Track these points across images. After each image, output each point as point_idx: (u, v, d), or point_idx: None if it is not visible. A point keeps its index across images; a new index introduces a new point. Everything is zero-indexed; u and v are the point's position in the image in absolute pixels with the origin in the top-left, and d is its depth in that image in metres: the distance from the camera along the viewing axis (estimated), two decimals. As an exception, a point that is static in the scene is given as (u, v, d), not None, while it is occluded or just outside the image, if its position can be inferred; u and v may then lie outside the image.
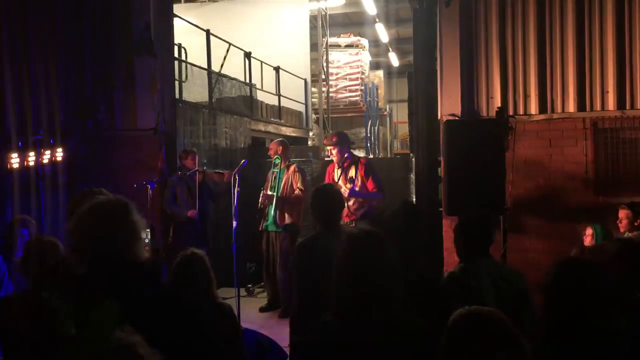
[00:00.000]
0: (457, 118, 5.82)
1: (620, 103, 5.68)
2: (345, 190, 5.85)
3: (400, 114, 19.42)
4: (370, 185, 5.95)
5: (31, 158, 5.40)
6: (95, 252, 1.95)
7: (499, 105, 5.78)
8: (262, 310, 6.53)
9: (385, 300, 2.02)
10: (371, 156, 13.58)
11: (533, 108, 5.89)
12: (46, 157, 5.58)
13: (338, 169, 6.18)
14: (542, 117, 5.85)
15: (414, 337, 2.00)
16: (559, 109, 5.84)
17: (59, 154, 5.79)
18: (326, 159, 11.48)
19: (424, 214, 3.16)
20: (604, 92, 5.73)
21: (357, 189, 5.94)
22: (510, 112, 5.79)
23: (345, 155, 6.13)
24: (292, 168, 6.54)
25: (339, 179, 6.11)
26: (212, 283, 3.27)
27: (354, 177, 6.01)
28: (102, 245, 1.95)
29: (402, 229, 2.87)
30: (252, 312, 6.42)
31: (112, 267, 1.93)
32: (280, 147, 6.62)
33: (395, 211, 3.08)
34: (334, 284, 2.08)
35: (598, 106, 5.74)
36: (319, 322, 2.07)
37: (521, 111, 5.91)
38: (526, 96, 5.92)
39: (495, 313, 1.68)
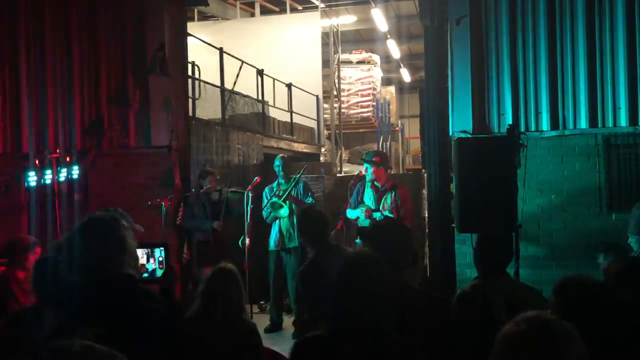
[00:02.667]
0: (468, 134, 5.83)
1: (633, 119, 5.66)
2: (381, 216, 5.72)
3: (412, 129, 19.44)
4: (407, 212, 5.85)
5: (48, 176, 5.49)
6: (82, 265, 2.04)
7: (510, 121, 5.78)
8: (267, 331, 6.35)
9: (375, 325, 2.04)
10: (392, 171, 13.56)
11: (545, 124, 5.89)
12: (62, 175, 5.67)
13: (372, 190, 5.95)
14: (553, 133, 5.85)
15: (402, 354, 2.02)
16: (570, 125, 5.83)
17: (75, 171, 5.87)
18: (338, 174, 11.51)
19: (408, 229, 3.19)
20: (616, 108, 5.72)
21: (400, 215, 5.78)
22: (522, 129, 5.79)
23: (386, 178, 5.99)
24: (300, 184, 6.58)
25: (374, 202, 5.91)
26: (243, 297, 3.33)
27: (392, 203, 5.84)
28: (87, 259, 2.05)
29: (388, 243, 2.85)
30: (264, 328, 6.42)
31: (96, 280, 2.02)
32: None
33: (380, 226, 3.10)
34: (329, 301, 2.12)
35: (610, 122, 5.73)
36: (312, 335, 2.10)
37: (533, 127, 5.91)
38: (538, 112, 5.92)
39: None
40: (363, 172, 6.10)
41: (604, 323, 1.90)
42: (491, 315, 2.81)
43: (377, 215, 5.75)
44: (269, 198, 6.49)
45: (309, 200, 6.43)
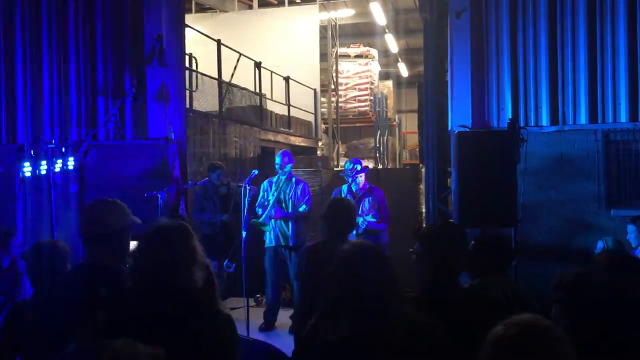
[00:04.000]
0: (468, 129, 5.81)
1: (633, 115, 5.64)
2: (364, 221, 5.78)
3: (409, 124, 19.41)
4: (384, 214, 5.92)
5: (43, 167, 5.43)
6: (152, 275, 1.98)
7: (510, 116, 5.75)
8: (261, 330, 6.13)
9: (376, 309, 2.02)
10: (380, 166, 13.56)
11: (544, 120, 5.87)
12: (58, 165, 5.62)
13: (350, 196, 5.90)
14: (553, 129, 5.82)
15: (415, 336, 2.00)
16: (570, 120, 5.81)
17: (71, 162, 5.82)
18: (335, 168, 11.47)
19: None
20: (616, 104, 5.70)
21: (374, 220, 5.85)
22: (522, 124, 5.76)
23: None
24: (301, 186, 6.25)
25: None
26: (215, 289, 3.27)
27: (370, 207, 5.89)
28: (161, 269, 1.99)
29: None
30: (260, 322, 6.39)
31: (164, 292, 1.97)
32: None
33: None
34: (326, 288, 2.11)
35: (610, 118, 5.71)
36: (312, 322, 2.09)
37: (532, 123, 5.89)
38: (537, 107, 5.90)
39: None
40: (353, 182, 5.98)
41: (605, 317, 1.88)
42: (489, 317, 2.75)
43: (359, 220, 5.75)
44: (265, 192, 6.34)
45: (303, 208, 6.20)
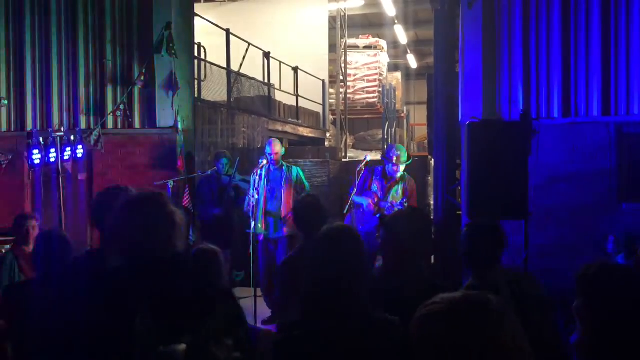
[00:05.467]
0: (479, 120, 5.75)
1: (646, 108, 5.58)
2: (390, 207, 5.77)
3: (418, 116, 19.31)
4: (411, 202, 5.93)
5: (52, 154, 5.43)
6: (134, 246, 1.95)
7: (522, 108, 5.70)
8: (265, 323, 5.86)
9: (349, 296, 2.01)
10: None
11: (556, 111, 5.81)
12: (67, 153, 5.62)
13: (382, 180, 5.94)
14: (565, 120, 5.77)
15: (386, 334, 1.99)
16: (582, 112, 5.75)
17: (80, 150, 5.82)
18: (343, 160, 11.44)
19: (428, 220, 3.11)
20: (629, 96, 5.64)
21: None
22: (533, 115, 5.71)
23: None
24: (295, 171, 6.14)
25: (383, 192, 5.96)
26: (222, 277, 3.28)
27: (402, 195, 5.92)
28: (141, 239, 1.96)
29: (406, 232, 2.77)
30: (268, 312, 6.38)
31: (152, 261, 1.94)
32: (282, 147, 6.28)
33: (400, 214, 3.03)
34: (304, 283, 2.10)
35: (623, 110, 5.65)
36: (290, 322, 2.08)
37: (544, 114, 5.83)
38: (549, 99, 5.84)
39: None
40: (392, 167, 5.93)
41: (632, 307, 1.83)
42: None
43: (386, 204, 5.75)
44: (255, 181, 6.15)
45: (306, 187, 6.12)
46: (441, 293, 1.35)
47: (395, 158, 5.92)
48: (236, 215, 6.44)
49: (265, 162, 6.02)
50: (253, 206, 5.84)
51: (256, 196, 5.91)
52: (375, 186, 5.97)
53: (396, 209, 5.66)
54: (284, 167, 6.10)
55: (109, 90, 6.70)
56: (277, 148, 6.08)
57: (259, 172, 5.97)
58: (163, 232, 1.96)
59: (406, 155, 6.09)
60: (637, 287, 1.88)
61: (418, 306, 1.34)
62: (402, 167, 5.94)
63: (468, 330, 1.26)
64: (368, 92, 14.73)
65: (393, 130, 15.36)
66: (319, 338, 1.98)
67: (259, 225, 5.99)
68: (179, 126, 6.39)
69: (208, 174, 6.42)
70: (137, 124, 6.65)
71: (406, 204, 5.82)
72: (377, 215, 5.92)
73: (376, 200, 5.91)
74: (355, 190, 6.00)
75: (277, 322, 3.27)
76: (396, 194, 5.90)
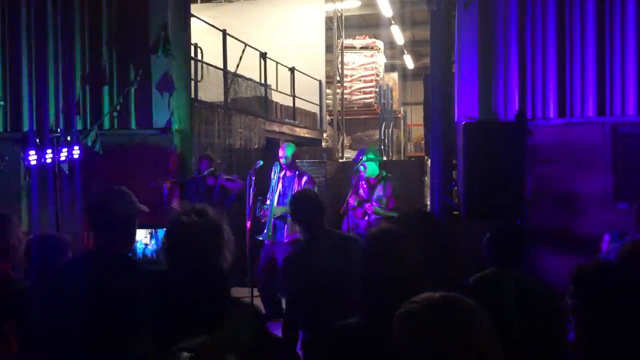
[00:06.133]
0: (474, 121, 5.77)
1: (641, 108, 5.60)
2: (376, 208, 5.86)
3: (415, 116, 19.34)
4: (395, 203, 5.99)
5: (48, 155, 5.42)
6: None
7: (517, 108, 5.72)
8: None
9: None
10: (385, 158, 13.52)
11: (551, 112, 5.82)
12: (63, 154, 5.61)
13: (365, 182, 6.08)
14: (560, 121, 5.78)
15: None
16: (578, 113, 5.76)
17: (76, 151, 5.81)
18: (340, 160, 11.44)
19: (438, 221, 3.14)
20: (624, 97, 5.65)
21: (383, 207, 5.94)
22: (528, 116, 5.73)
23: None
24: (304, 178, 6.08)
25: (367, 192, 6.07)
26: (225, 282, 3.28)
27: (382, 194, 5.99)
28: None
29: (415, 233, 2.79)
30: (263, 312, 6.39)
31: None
32: (297, 153, 6.31)
33: (408, 215, 3.03)
34: (361, 286, 2.07)
35: (618, 111, 5.66)
36: (342, 324, 2.05)
37: (539, 115, 5.84)
38: (545, 100, 5.85)
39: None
40: (364, 169, 6.07)
41: (626, 307, 1.84)
42: (499, 311, 2.71)
43: (371, 209, 5.94)
44: (273, 180, 6.23)
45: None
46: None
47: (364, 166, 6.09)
48: (225, 216, 6.42)
49: (261, 163, 6.12)
50: (264, 211, 5.98)
51: (269, 202, 6.00)
52: (361, 190, 6.12)
53: (381, 211, 5.81)
54: (296, 173, 6.14)
55: (105, 91, 6.69)
56: (283, 152, 6.15)
57: (273, 174, 6.11)
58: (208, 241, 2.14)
59: (373, 156, 6.20)
60: (631, 286, 1.89)
61: None
62: (372, 167, 6.06)
63: (442, 329, 1.34)
64: (365, 93, 14.75)
65: (390, 130, 15.38)
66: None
67: (269, 231, 6.03)
68: (174, 127, 6.39)
69: (194, 176, 6.35)
70: (133, 125, 6.64)
71: (393, 209, 5.91)
72: (366, 219, 6.02)
73: (358, 200, 6.10)
74: (351, 191, 6.12)
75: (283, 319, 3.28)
76: (379, 194, 6.00)
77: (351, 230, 5.89)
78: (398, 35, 15.88)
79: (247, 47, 9.80)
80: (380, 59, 15.01)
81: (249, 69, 9.93)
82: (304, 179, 6.09)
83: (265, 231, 5.98)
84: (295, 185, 6.04)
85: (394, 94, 16.04)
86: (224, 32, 8.79)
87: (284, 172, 6.16)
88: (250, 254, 5.80)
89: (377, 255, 2.09)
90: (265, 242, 6.13)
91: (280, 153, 6.18)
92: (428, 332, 1.35)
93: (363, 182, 6.14)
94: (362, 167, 6.11)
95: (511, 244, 3.02)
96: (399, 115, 17.03)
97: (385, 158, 13.69)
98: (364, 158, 6.13)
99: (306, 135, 12.08)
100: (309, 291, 3.07)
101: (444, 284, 2.57)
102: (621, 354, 1.80)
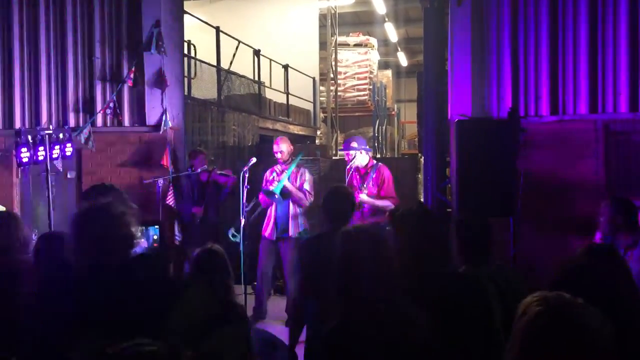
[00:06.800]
0: (467, 118, 5.78)
1: (633, 105, 5.61)
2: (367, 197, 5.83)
3: (408, 113, 19.38)
4: (385, 191, 5.93)
5: (41, 153, 5.40)
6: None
7: (510, 105, 5.72)
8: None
9: (388, 294, 2.03)
10: (378, 156, 13.54)
11: (544, 109, 5.84)
12: (56, 152, 5.58)
13: (357, 172, 6.06)
14: (553, 118, 5.80)
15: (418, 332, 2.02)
16: (570, 110, 5.78)
17: (69, 149, 5.79)
18: (334, 157, 11.44)
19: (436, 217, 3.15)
20: (616, 94, 5.67)
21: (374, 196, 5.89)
22: (521, 113, 5.74)
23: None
24: (301, 171, 6.13)
25: (359, 183, 6.03)
26: (230, 276, 3.29)
27: (371, 181, 5.96)
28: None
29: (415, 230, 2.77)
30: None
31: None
32: (291, 147, 6.26)
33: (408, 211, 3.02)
34: (335, 285, 2.09)
35: (610, 108, 5.68)
36: (333, 323, 2.07)
37: (532, 112, 5.85)
38: (537, 97, 5.87)
39: None
40: (356, 159, 6.03)
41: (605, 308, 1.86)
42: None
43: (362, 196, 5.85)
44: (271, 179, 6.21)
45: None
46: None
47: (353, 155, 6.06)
48: (220, 212, 6.47)
49: (255, 160, 6.09)
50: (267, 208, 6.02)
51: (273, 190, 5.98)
52: (355, 181, 6.09)
53: (369, 199, 5.81)
54: (299, 168, 6.15)
55: (98, 88, 6.66)
56: (278, 146, 6.13)
57: (276, 172, 6.06)
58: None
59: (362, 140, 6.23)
60: (606, 287, 1.92)
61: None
62: (359, 157, 6.02)
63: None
64: (358, 90, 14.76)
65: (383, 127, 15.40)
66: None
67: (268, 227, 6.07)
68: (168, 124, 6.37)
69: (188, 173, 6.32)
70: (126, 122, 6.62)
71: (381, 191, 5.90)
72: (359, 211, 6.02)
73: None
74: (345, 183, 6.12)
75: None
76: (369, 184, 5.96)
77: None
78: (392, 32, 15.89)
79: (240, 44, 9.79)
80: (374, 57, 15.02)
81: (243, 66, 9.92)
82: (305, 174, 6.12)
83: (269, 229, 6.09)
84: (294, 180, 6.04)
85: (387, 91, 16.07)
86: (218, 29, 8.77)
87: (280, 168, 6.14)
88: (245, 249, 5.80)
89: (349, 256, 2.12)
90: (267, 237, 6.12)
91: (275, 148, 6.16)
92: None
93: (355, 173, 6.12)
94: (350, 153, 6.05)
95: (479, 237, 2.96)
96: (393, 113, 17.06)
97: (379, 155, 13.71)
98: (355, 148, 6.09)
99: (300, 133, 12.08)
100: (325, 275, 3.08)
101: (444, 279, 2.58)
102: None
